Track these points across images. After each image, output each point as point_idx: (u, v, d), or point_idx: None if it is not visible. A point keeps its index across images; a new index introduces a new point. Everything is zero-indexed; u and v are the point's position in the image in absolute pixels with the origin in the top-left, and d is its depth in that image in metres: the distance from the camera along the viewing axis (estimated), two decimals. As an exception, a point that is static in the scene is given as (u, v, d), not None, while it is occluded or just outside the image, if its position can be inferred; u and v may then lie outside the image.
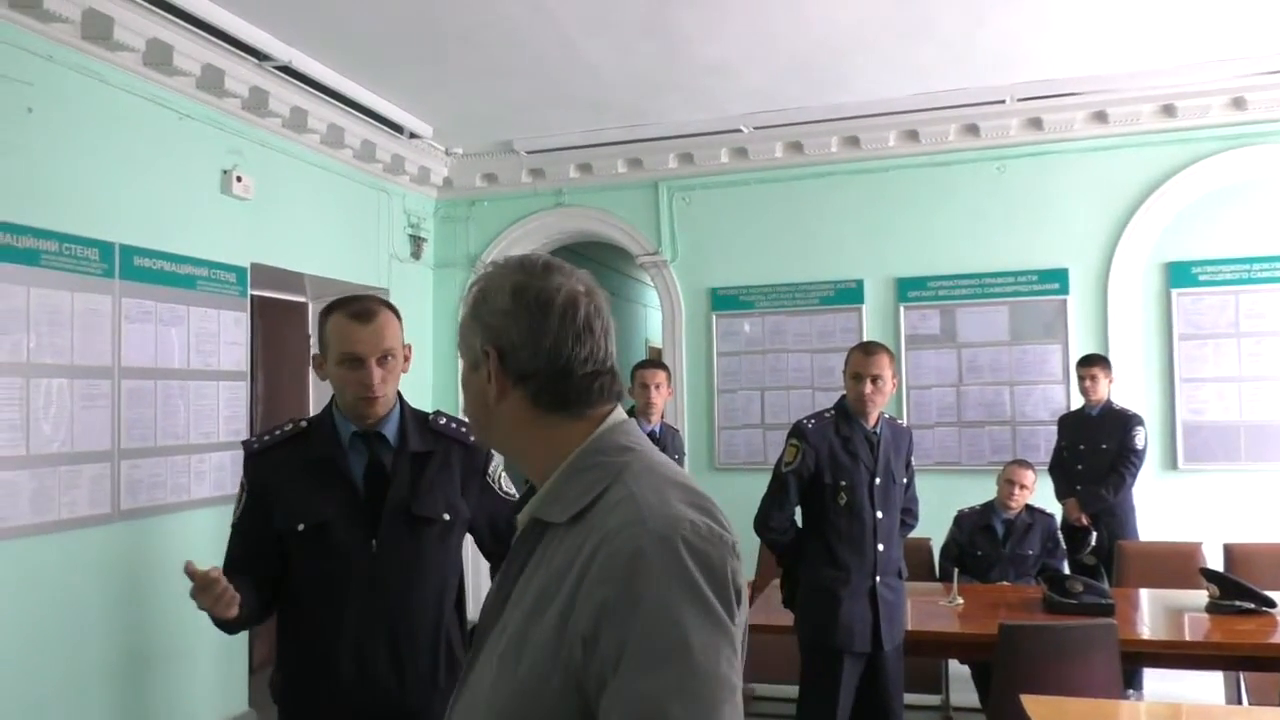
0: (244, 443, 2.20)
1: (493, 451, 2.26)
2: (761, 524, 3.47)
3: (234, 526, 2.16)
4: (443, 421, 2.23)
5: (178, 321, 4.36)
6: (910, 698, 3.71)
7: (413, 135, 5.87)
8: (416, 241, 6.56)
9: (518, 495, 2.32)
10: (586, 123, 5.91)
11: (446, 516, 2.13)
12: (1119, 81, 5.31)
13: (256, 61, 4.52)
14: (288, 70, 4.66)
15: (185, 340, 4.43)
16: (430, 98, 5.42)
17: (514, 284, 1.14)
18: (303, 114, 5.08)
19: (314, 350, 2.49)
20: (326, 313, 2.11)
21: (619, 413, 1.18)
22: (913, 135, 5.91)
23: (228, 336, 4.70)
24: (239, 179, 4.74)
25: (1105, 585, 4.44)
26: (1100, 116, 5.59)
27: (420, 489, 2.10)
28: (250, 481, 2.13)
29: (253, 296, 4.96)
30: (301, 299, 6.15)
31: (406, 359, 2.16)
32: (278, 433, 2.17)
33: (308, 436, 2.14)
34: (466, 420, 2.21)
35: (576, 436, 1.13)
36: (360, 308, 2.08)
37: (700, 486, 1.11)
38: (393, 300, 6.13)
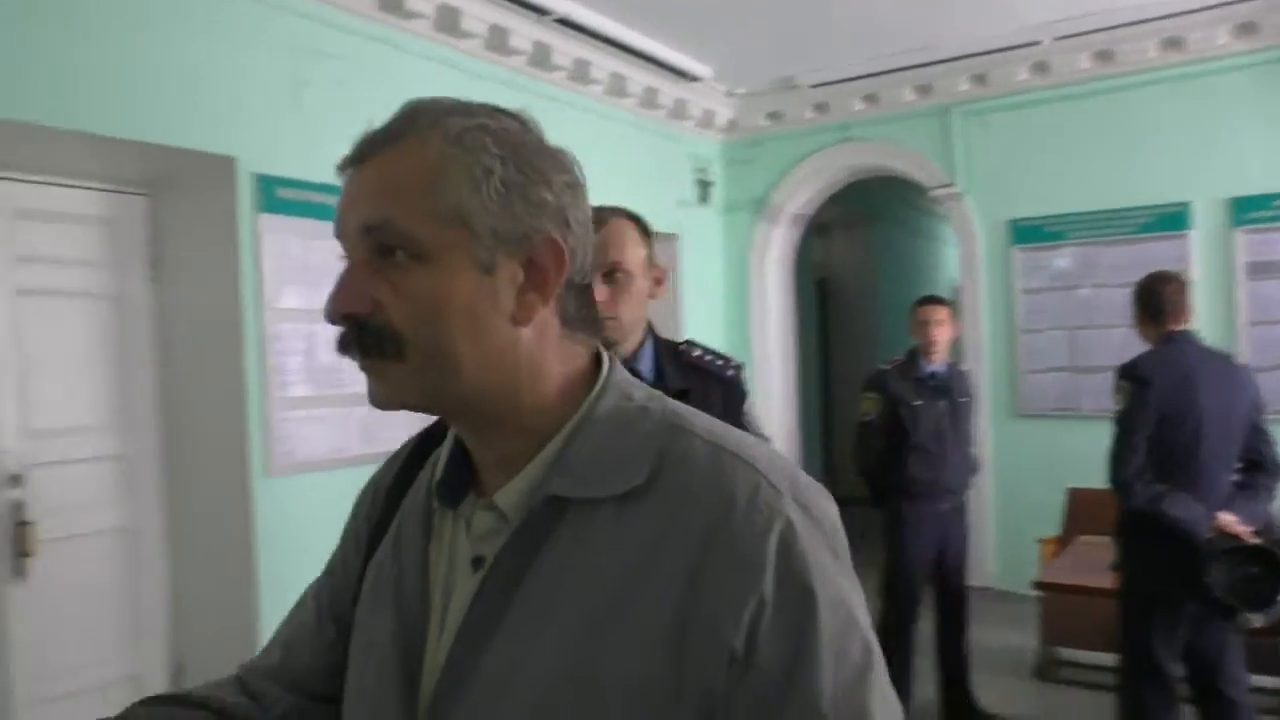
0: None
1: (747, 386, 2.11)
2: (1125, 479, 3.00)
3: None
4: (696, 353, 2.02)
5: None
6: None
7: (694, 79, 5.88)
8: (704, 186, 6.59)
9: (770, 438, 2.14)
10: (870, 50, 5.63)
11: None
12: None
13: (537, 16, 4.70)
14: (567, 23, 4.81)
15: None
16: (709, 38, 5.39)
17: (555, 146, 0.85)
18: (585, 65, 5.24)
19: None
20: None
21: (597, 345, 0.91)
22: (1249, 29, 5.07)
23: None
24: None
25: None
26: None
27: None
28: None
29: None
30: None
31: (659, 283, 1.93)
32: None
33: None
34: (721, 352, 2.12)
35: (589, 372, 0.86)
36: (596, 213, 1.90)
37: None
38: (683, 248, 6.36)
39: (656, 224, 6.28)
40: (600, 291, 1.79)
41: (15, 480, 3.21)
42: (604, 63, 5.34)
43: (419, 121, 0.80)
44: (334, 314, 0.79)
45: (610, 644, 0.73)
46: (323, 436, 3.83)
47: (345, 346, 0.80)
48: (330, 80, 3.86)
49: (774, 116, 6.52)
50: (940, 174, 6.07)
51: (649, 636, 0.73)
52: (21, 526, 3.20)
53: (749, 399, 2.05)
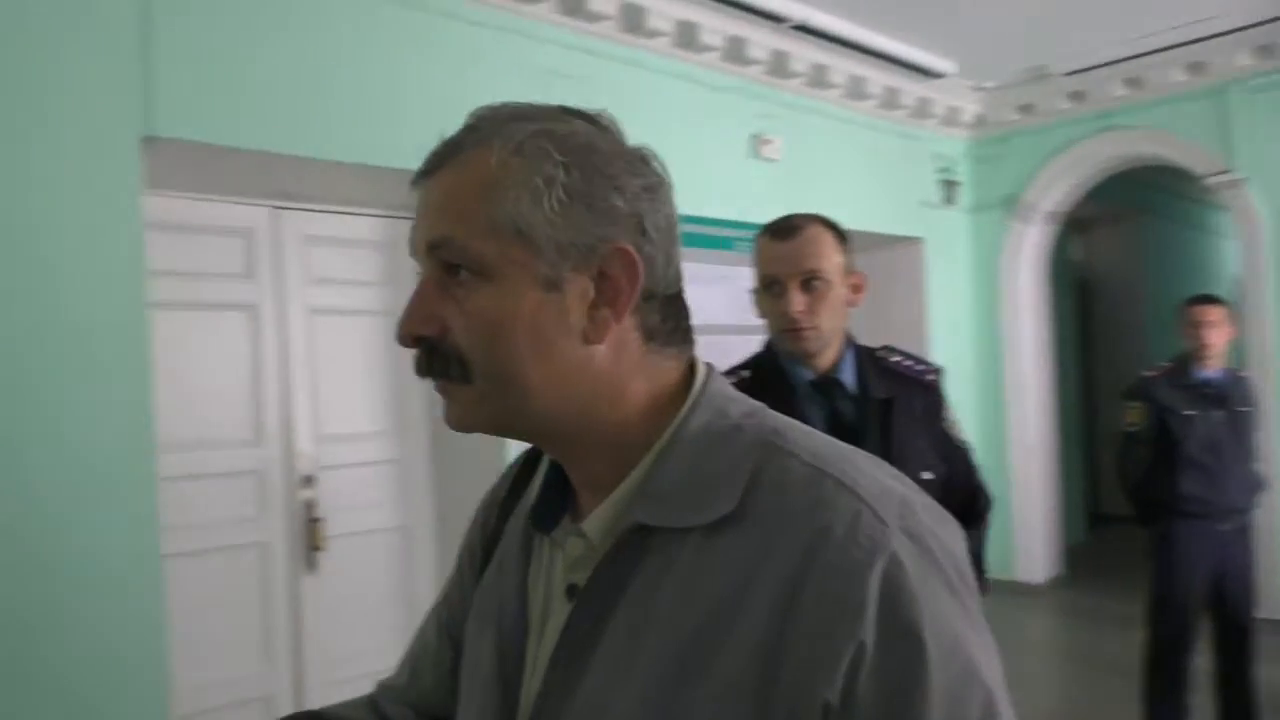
0: None
1: (946, 392, 2.00)
2: None
3: None
4: (895, 359, 1.94)
5: (719, 280, 4.75)
6: None
7: (937, 75, 5.68)
8: (949, 186, 6.34)
9: (963, 443, 2.01)
10: (1132, 29, 5.22)
11: (927, 475, 1.82)
12: None
13: (774, 24, 4.71)
14: (805, 28, 4.79)
15: (727, 298, 4.81)
16: (952, 34, 5.19)
17: (631, 149, 0.79)
18: (823, 70, 5.19)
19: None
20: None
21: (698, 356, 0.83)
22: None
23: (762, 292, 5.00)
24: (767, 141, 5.00)
25: None
26: None
27: (894, 443, 1.79)
28: None
29: (786, 253, 5.21)
30: (836, 254, 6.33)
31: (857, 290, 1.85)
32: None
33: (753, 388, 1.91)
34: (920, 356, 2.02)
35: (681, 389, 0.78)
36: (782, 223, 1.82)
37: None
38: (927, 250, 6.16)
39: (898, 228, 6.18)
40: (797, 301, 1.76)
41: (308, 481, 3.58)
42: (842, 66, 5.27)
43: (481, 130, 0.75)
44: (404, 336, 0.76)
45: (692, 694, 0.66)
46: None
47: (419, 368, 0.77)
48: (572, 101, 4.04)
49: (1025, 109, 6.18)
50: (1216, 160, 5.52)
51: (733, 687, 0.65)
52: (313, 523, 3.56)
53: (949, 402, 1.98)
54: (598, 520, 0.76)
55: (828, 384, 1.82)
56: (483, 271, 0.72)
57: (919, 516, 0.69)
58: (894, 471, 0.74)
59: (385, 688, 1.02)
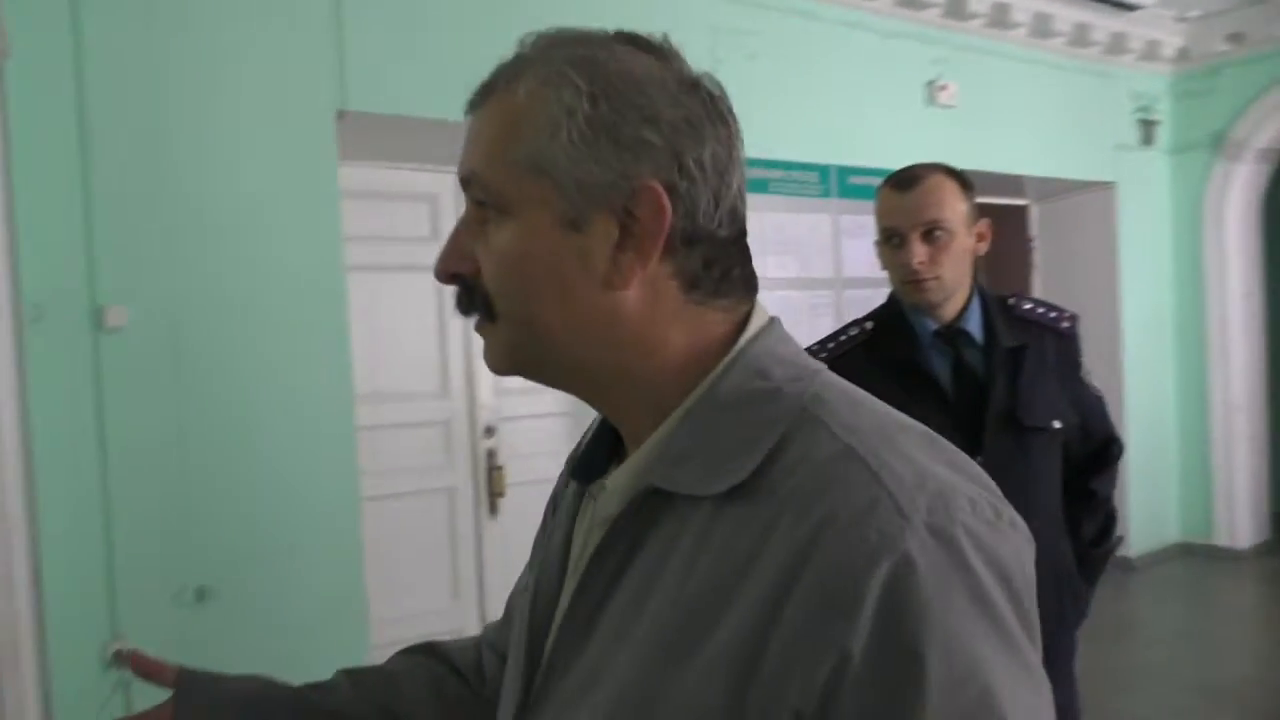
0: (805, 350, 2.05)
1: (1081, 339, 1.93)
2: None
3: None
4: (1027, 306, 1.89)
5: (890, 233, 4.66)
6: None
7: (1133, 7, 5.31)
8: (1147, 126, 5.93)
9: (1098, 394, 1.94)
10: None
11: (1057, 424, 1.79)
12: None
13: (952, -34, 4.52)
14: (985, -33, 4.58)
15: (898, 250, 4.72)
16: (1150, -40, 4.84)
17: (678, 76, 0.69)
18: (1005, 9, 4.94)
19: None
20: None
21: (763, 308, 0.74)
22: None
23: (938, 244, 4.86)
24: (943, 88, 4.83)
25: None
26: None
27: (1022, 392, 1.77)
28: None
29: (964, 203, 5.05)
30: (1020, 201, 6.05)
31: (982, 238, 1.81)
32: (843, 338, 1.90)
33: (877, 339, 1.85)
34: (1054, 304, 1.96)
35: (725, 345, 0.70)
36: (902, 174, 1.79)
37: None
38: (1119, 195, 5.79)
39: (1087, 173, 5.87)
40: (919, 252, 1.73)
41: (489, 431, 3.78)
42: (1026, 4, 5.01)
43: (522, 60, 0.70)
44: (440, 273, 0.72)
45: (674, 676, 0.60)
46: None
47: (458, 305, 0.73)
48: (742, 55, 4.04)
49: (1235, 39, 5.68)
50: None
51: (714, 676, 0.58)
52: (494, 470, 3.77)
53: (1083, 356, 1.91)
54: (621, 478, 0.70)
55: (953, 333, 1.80)
56: (505, 209, 0.68)
57: (960, 513, 0.58)
58: (958, 459, 0.64)
59: (488, 628, 1.02)
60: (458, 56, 3.29)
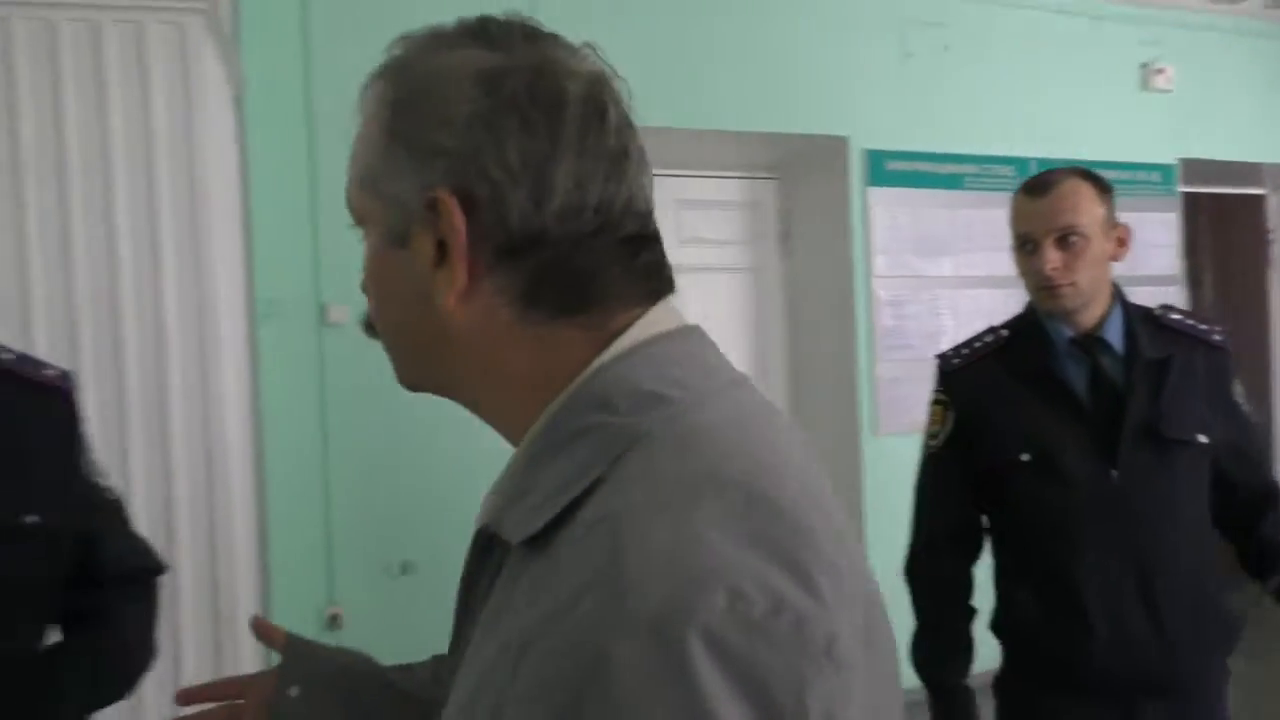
0: (939, 356, 1.93)
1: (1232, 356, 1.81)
2: None
3: (927, 461, 1.91)
4: (1175, 316, 1.82)
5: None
6: None
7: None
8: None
9: (1249, 415, 1.82)
10: None
11: (1203, 439, 1.72)
12: None
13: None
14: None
15: (1112, 244, 4.47)
16: None
17: (480, 68, 0.60)
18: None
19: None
20: None
21: (664, 316, 0.64)
22: None
23: (1154, 239, 4.55)
24: (1159, 71, 4.52)
25: None
26: None
27: (1165, 404, 1.70)
28: (953, 403, 1.86)
29: (1185, 194, 4.70)
30: (1258, 191, 5.59)
31: (1121, 243, 1.76)
32: (977, 345, 1.87)
33: (1011, 346, 1.82)
34: (1204, 317, 1.86)
35: (582, 367, 0.61)
36: (1037, 179, 1.77)
37: (821, 475, 0.61)
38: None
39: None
40: (1052, 258, 1.69)
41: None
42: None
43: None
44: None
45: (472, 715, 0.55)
46: (921, 399, 3.99)
47: (362, 322, 0.72)
48: (934, 47, 3.95)
49: None
50: None
51: None
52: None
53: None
54: (482, 507, 0.65)
55: (1090, 341, 1.75)
56: (361, 227, 0.66)
57: (703, 613, 0.47)
58: (776, 531, 0.52)
59: None
60: (651, 65, 3.40)
